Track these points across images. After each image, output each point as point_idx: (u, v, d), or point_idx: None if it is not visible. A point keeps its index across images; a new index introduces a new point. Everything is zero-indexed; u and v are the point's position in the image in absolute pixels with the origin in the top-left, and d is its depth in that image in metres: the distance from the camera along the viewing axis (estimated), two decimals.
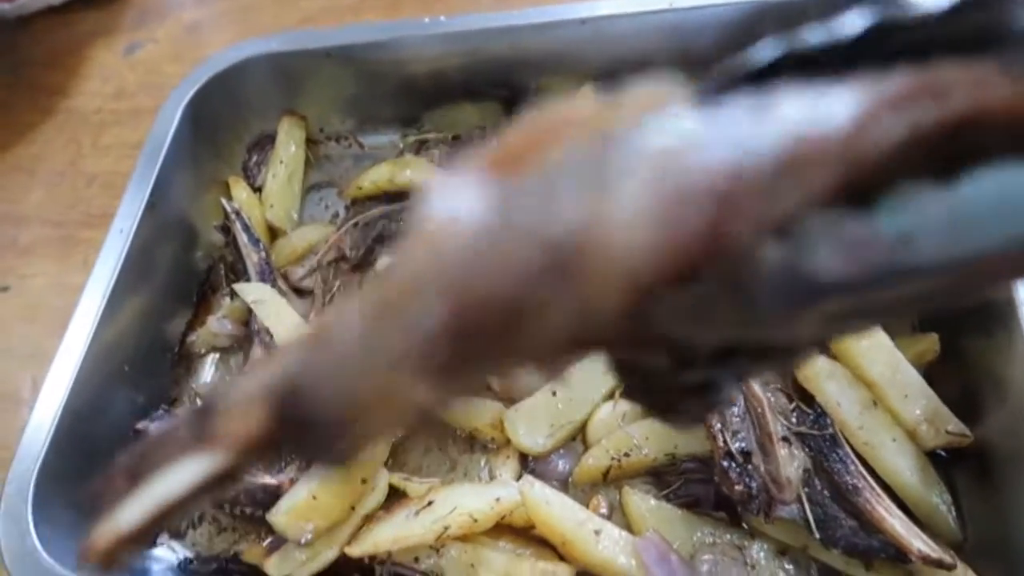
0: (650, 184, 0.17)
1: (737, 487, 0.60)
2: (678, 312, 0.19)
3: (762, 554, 0.62)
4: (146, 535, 0.25)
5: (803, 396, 0.63)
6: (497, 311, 0.18)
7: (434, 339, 0.18)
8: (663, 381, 0.25)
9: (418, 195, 0.19)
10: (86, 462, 0.68)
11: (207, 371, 0.81)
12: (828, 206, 0.18)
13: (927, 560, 0.55)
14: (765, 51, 0.20)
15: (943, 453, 0.63)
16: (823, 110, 0.18)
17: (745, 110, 0.18)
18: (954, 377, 0.65)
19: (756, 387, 0.62)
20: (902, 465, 0.61)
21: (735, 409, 0.62)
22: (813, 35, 0.19)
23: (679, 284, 0.17)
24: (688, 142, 0.18)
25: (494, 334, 0.18)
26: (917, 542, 0.56)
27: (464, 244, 0.18)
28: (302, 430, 0.22)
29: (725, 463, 0.60)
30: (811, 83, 0.18)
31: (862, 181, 0.18)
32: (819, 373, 0.63)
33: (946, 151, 0.18)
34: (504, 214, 0.18)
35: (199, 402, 0.63)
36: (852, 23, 0.19)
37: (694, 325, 0.20)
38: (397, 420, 0.20)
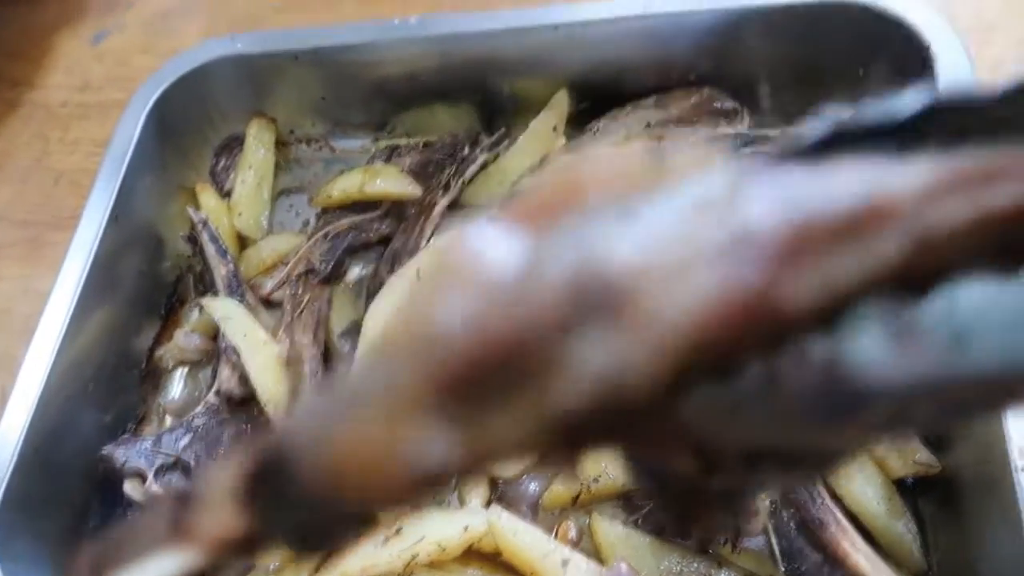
0: (702, 232, 0.16)
1: None
2: (713, 406, 0.18)
3: None
4: None
5: None
6: (519, 350, 0.16)
7: (445, 373, 0.16)
8: (685, 487, 0.23)
9: (440, 239, 0.17)
10: (52, 488, 0.67)
11: (176, 386, 0.79)
12: (881, 291, 0.16)
13: None
14: (818, 126, 0.18)
15: (909, 481, 0.64)
16: (891, 177, 0.16)
17: (803, 172, 0.17)
18: None
19: None
20: (869, 495, 0.61)
21: None
22: (869, 112, 0.18)
23: (722, 357, 0.16)
24: (746, 195, 0.16)
25: (513, 378, 0.16)
26: None
27: (491, 280, 0.16)
28: (284, 513, 0.19)
29: None
30: (869, 159, 0.17)
31: (924, 263, 0.16)
32: None
33: (1014, 239, 0.16)
34: (537, 256, 0.17)
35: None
36: (910, 101, 0.18)
37: (726, 423, 0.18)
38: (397, 487, 0.17)
